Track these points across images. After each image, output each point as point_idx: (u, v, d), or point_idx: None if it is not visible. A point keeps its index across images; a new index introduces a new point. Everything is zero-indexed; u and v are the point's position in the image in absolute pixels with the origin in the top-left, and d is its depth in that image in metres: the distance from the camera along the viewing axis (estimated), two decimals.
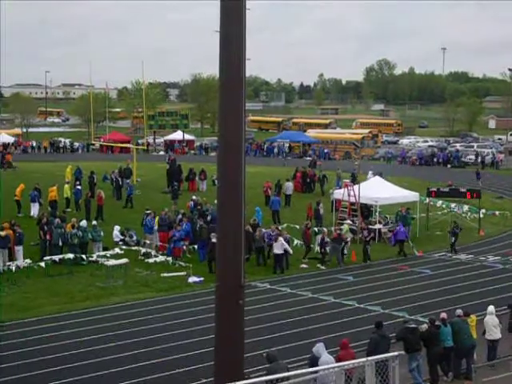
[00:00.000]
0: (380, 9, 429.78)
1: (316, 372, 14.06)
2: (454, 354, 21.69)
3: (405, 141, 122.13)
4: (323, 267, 36.91)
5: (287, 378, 12.83)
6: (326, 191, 57.05)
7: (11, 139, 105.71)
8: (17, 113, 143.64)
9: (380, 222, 43.22)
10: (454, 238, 41.10)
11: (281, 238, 36.11)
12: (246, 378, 13.13)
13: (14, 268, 34.13)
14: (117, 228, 40.79)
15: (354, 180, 56.12)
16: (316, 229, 41.72)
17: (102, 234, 38.60)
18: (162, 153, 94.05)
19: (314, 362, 18.17)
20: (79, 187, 52.97)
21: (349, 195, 42.64)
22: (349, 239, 39.15)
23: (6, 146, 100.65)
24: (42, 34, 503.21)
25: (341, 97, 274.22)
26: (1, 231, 35.32)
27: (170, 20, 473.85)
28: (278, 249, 35.81)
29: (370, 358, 13.88)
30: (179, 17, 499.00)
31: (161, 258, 37.08)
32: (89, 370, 22.65)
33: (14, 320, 27.73)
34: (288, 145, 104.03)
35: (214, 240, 36.18)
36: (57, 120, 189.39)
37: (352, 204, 42.89)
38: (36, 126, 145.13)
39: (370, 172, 62.39)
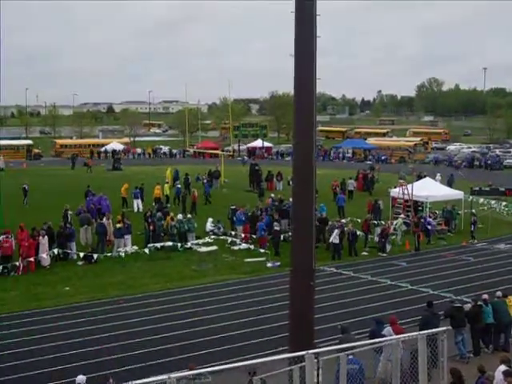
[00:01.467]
0: (430, 34, 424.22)
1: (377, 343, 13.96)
2: (494, 330, 21.34)
3: (451, 147, 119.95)
4: (384, 254, 36.62)
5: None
6: (380, 190, 56.64)
7: (121, 147, 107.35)
8: (126, 125, 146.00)
9: (430, 217, 42.67)
10: (473, 226, 40.80)
11: (336, 230, 36.00)
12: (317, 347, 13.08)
13: (123, 254, 34.77)
14: (210, 220, 41.05)
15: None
16: (375, 222, 41.45)
17: (195, 225, 38.97)
18: (245, 158, 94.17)
19: (374, 335, 18.06)
20: (179, 186, 53.47)
21: (403, 193, 42.18)
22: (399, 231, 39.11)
23: (116, 152, 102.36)
24: (149, 60, 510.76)
25: (396, 110, 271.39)
26: (117, 224, 36.05)
27: (255, 46, 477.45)
28: (334, 239, 35.81)
29: (422, 332, 13.70)
30: (262, 44, 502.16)
31: (244, 246, 37.29)
32: (190, 337, 23.03)
33: (124, 296, 28.24)
34: (351, 151, 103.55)
35: (276, 228, 36.46)
36: (158, 131, 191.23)
37: (406, 201, 42.43)
38: (141, 135, 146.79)
39: (438, 174, 62.10)
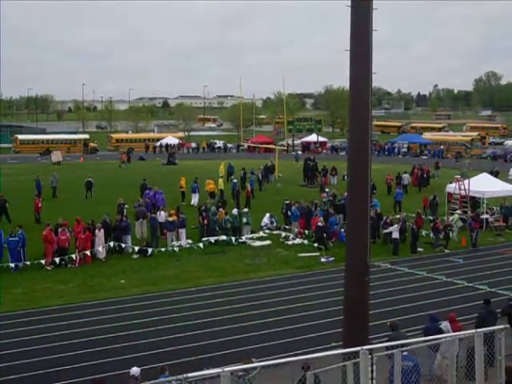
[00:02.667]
0: (491, 27, 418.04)
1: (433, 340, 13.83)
2: None
3: (509, 142, 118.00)
4: (447, 250, 36.19)
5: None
6: (436, 186, 56.05)
7: (176, 141, 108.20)
8: (180, 119, 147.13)
9: (487, 213, 42.09)
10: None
11: (396, 225, 35.77)
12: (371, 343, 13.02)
13: (177, 248, 35.05)
14: (267, 215, 41.06)
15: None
16: (430, 217, 41.04)
17: (250, 219, 39.09)
18: (299, 152, 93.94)
19: (428, 332, 17.89)
20: (235, 180, 53.65)
21: (460, 189, 41.66)
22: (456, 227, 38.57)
23: (170, 146, 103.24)
24: (205, 55, 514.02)
25: (453, 104, 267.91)
26: (169, 217, 36.38)
27: (311, 40, 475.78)
28: (394, 234, 35.61)
29: (478, 330, 13.52)
30: (318, 38, 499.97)
31: (298, 241, 37.27)
32: (243, 331, 23.08)
33: (178, 289, 28.49)
34: (407, 145, 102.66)
35: (320, 224, 36.28)
36: (212, 125, 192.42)
37: (463, 197, 41.88)
38: (196, 130, 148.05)
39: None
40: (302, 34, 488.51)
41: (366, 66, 15.28)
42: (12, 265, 31.23)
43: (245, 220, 38.54)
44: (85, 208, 44.87)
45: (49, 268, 31.66)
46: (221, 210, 39.40)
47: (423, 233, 38.03)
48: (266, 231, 39.05)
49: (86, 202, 49.84)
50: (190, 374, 9.91)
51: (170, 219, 36.41)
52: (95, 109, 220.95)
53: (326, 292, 27.53)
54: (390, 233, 35.85)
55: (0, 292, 26.97)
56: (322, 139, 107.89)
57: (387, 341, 15.75)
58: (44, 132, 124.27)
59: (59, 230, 32.84)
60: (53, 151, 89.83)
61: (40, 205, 42.94)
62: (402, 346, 12.52)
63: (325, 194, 46.22)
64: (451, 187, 43.67)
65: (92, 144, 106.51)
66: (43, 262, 31.77)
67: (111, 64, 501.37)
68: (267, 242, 35.33)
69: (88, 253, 32.79)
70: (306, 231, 38.36)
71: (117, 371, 18.51)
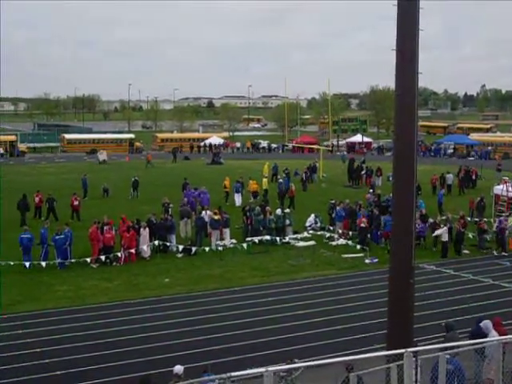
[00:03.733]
0: None
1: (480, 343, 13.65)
2: None
3: None
4: (495, 252, 35.68)
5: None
6: (483, 187, 55.45)
7: (221, 141, 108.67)
8: (225, 119, 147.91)
9: None
10: None
11: (445, 228, 35.40)
12: (415, 346, 12.90)
13: (221, 248, 35.17)
14: (312, 216, 40.96)
15: None
16: (476, 219, 40.54)
17: (292, 220, 39.07)
18: (345, 153, 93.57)
19: (475, 334, 17.69)
20: (281, 180, 53.75)
21: (507, 190, 41.08)
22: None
23: (215, 146, 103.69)
24: (249, 55, 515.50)
25: (501, 105, 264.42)
26: (215, 215, 36.54)
27: (356, 39, 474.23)
28: (444, 237, 35.23)
29: None
30: (363, 37, 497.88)
31: (342, 242, 37.13)
32: (287, 331, 23.05)
33: (221, 289, 28.61)
34: (453, 146, 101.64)
35: (362, 225, 36.23)
36: (257, 125, 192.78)
37: (510, 198, 41.24)
38: (240, 130, 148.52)
39: None
40: (348, 32, 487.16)
41: (412, 65, 15.17)
42: (58, 262, 31.70)
43: (287, 222, 38.53)
44: (130, 207, 45.29)
45: (94, 266, 32.04)
46: (267, 208, 39.43)
47: (470, 235, 37.52)
48: (310, 232, 38.98)
49: (131, 201, 50.28)
50: (233, 373, 9.96)
51: (215, 217, 36.58)
52: (141, 109, 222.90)
53: (370, 293, 27.38)
54: (440, 234, 35.50)
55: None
56: (366, 139, 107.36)
57: (443, 341, 15.64)
58: (90, 131, 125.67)
59: (105, 228, 33.21)
60: (99, 150, 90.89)
61: (76, 203, 43.59)
62: (446, 349, 12.39)
63: (369, 195, 46.00)
64: (498, 189, 43.03)
65: (137, 143, 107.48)
66: (89, 259, 32.18)
67: (157, 64, 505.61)
68: (311, 243, 35.28)
69: (133, 251, 33.11)
70: (350, 232, 38.21)
71: (162, 369, 18.61)
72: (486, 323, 17.89)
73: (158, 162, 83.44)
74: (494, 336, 17.21)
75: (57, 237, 32.25)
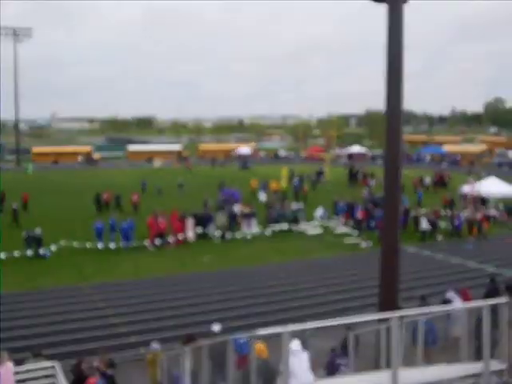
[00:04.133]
0: (499, 60, 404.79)
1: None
2: None
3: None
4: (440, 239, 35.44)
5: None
6: (452, 188, 54.83)
7: (249, 150, 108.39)
8: (253, 133, 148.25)
9: (493, 210, 40.88)
10: None
11: (425, 219, 35.20)
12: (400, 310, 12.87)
13: (249, 234, 35.20)
14: (320, 209, 40.81)
15: None
16: (448, 212, 40.04)
17: (303, 213, 38.98)
18: (346, 160, 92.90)
19: (445, 302, 17.70)
20: (296, 181, 54.07)
21: (472, 190, 40.31)
22: None
23: (245, 155, 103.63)
24: (276, 83, 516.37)
25: (467, 123, 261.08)
26: (244, 209, 36.58)
27: (359, 71, 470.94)
28: (426, 226, 35.07)
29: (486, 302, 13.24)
30: (364, 70, 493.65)
31: (343, 230, 37.01)
32: (305, 302, 23.12)
33: (250, 266, 28.70)
34: (430, 155, 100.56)
35: (359, 217, 36.36)
36: (278, 138, 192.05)
37: (474, 196, 40.49)
38: (264, 142, 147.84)
39: None
40: (354, 65, 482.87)
41: (397, 92, 15.15)
42: (123, 245, 31.95)
43: (301, 214, 38.45)
44: (178, 202, 45.45)
45: (151, 248, 32.25)
46: (285, 203, 39.40)
47: (443, 225, 37.16)
48: (319, 222, 38.88)
49: (179, 198, 50.41)
50: (259, 332, 9.99)
51: (245, 210, 36.65)
52: (186, 126, 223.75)
53: (366, 269, 27.20)
54: (419, 224, 35.28)
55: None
56: (363, 150, 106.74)
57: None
58: (148, 143, 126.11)
59: (159, 218, 33.38)
60: (155, 159, 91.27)
61: (136, 198, 44.01)
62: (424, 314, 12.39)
63: (365, 193, 45.84)
64: (465, 188, 42.49)
65: (184, 153, 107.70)
66: (146, 243, 32.38)
67: (200, 91, 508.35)
68: (319, 231, 35.27)
69: (180, 237, 33.27)
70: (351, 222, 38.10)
71: (203, 329, 18.70)
72: (451, 294, 17.88)
73: (199, 167, 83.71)
74: (458, 303, 17.22)
75: (124, 224, 32.56)
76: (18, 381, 12.51)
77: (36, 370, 12.95)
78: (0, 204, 43.69)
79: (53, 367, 13.03)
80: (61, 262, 28.97)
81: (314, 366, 11.39)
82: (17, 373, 12.54)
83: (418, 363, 11.93)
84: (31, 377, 12.86)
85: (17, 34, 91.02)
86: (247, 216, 36.58)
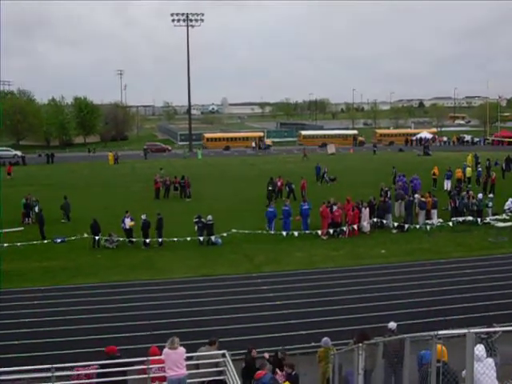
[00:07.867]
0: None
1: None
2: None
3: None
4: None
5: None
6: None
7: (430, 135, 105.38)
8: (434, 117, 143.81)
9: None
10: None
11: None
12: None
13: (429, 226, 34.03)
14: (510, 200, 38.22)
15: None
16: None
17: (492, 203, 36.95)
18: None
19: None
20: (480, 169, 51.56)
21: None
22: None
23: (424, 139, 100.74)
24: (458, 61, 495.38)
25: None
26: (423, 198, 35.47)
27: None
28: None
29: None
30: None
31: None
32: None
33: (430, 260, 27.70)
34: None
35: None
36: (462, 122, 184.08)
37: None
38: (446, 126, 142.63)
39: None
40: None
41: None
42: (284, 233, 32.47)
43: (490, 204, 36.49)
44: (352, 189, 45.14)
45: (324, 238, 32.39)
46: (470, 192, 37.60)
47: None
48: (509, 214, 36.61)
49: (353, 185, 49.96)
50: (439, 332, 9.60)
51: (423, 199, 35.53)
52: (362, 109, 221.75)
53: None
54: None
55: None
56: None
57: None
58: (321, 128, 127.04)
59: (334, 207, 33.43)
60: (328, 144, 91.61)
61: (305, 184, 44.62)
62: None
63: None
64: None
65: (360, 138, 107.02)
66: (319, 232, 32.61)
67: (378, 71, 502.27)
68: (509, 224, 33.14)
69: (356, 227, 33.09)
70: None
71: (377, 324, 18.39)
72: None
73: (380, 152, 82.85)
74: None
75: (303, 207, 33.60)
76: (190, 365, 13.21)
77: (207, 356, 13.58)
78: (184, 189, 46.60)
79: (223, 355, 13.59)
80: (233, 250, 30.14)
81: (504, 376, 10.73)
82: (190, 358, 13.23)
83: None
84: (202, 363, 13.52)
85: (190, 20, 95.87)
86: (426, 205, 35.35)
